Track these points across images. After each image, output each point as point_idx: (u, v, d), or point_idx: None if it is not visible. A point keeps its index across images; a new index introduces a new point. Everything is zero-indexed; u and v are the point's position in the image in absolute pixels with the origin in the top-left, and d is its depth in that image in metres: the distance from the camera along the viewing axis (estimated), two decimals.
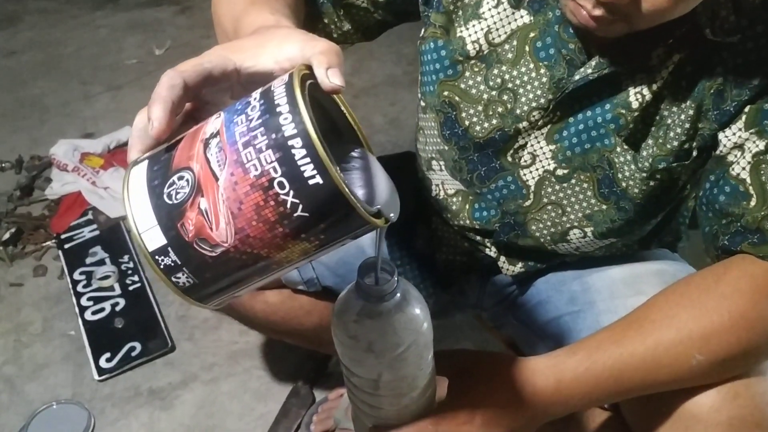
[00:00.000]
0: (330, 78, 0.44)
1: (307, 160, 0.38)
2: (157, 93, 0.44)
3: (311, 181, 0.39)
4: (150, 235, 0.42)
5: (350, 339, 0.58)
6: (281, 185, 0.39)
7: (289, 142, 0.39)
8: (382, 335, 0.57)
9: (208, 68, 0.46)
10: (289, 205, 0.39)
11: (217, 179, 0.40)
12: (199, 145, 0.42)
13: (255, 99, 0.42)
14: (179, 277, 0.43)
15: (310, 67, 0.45)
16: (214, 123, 0.43)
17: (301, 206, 0.39)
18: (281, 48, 0.47)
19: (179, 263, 0.42)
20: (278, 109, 0.40)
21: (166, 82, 0.44)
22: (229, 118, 0.42)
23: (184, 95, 0.45)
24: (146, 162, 0.44)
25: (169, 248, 0.42)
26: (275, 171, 0.39)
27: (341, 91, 0.45)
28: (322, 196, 0.39)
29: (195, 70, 0.45)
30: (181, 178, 0.42)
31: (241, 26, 0.61)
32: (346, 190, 0.39)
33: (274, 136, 0.39)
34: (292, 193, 0.39)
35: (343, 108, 0.49)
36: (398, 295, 0.56)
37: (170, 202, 0.42)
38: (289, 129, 0.39)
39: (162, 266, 0.43)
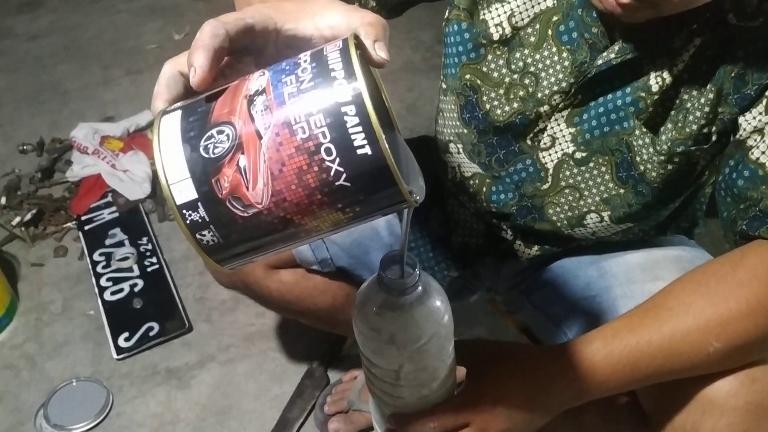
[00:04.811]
0: (377, 51, 0.43)
1: (359, 129, 0.38)
2: (200, 40, 0.42)
3: (360, 151, 0.38)
4: (180, 187, 0.40)
5: (372, 331, 0.58)
6: (328, 151, 0.38)
7: (342, 109, 0.38)
8: (404, 327, 0.57)
9: (250, 23, 0.44)
10: (332, 173, 0.38)
11: (260, 138, 0.39)
12: (243, 100, 0.40)
13: (305, 61, 0.40)
14: (204, 235, 0.41)
15: (358, 38, 0.43)
16: (258, 80, 0.41)
17: (344, 175, 0.39)
18: (323, 15, 0.46)
19: (207, 220, 0.41)
20: (333, 74, 0.39)
21: (209, 31, 0.42)
22: (277, 77, 0.40)
23: (225, 46, 0.43)
24: (180, 112, 0.42)
25: (199, 203, 0.40)
26: (324, 136, 0.38)
27: (386, 65, 0.44)
28: (368, 168, 0.38)
29: (237, 23, 0.44)
30: (221, 132, 0.40)
31: None
32: (394, 164, 0.38)
33: (326, 100, 0.38)
34: (338, 160, 0.38)
35: (379, 87, 0.48)
36: (420, 287, 0.56)
37: (207, 156, 0.40)
38: (343, 95, 0.38)
39: (188, 221, 0.41)
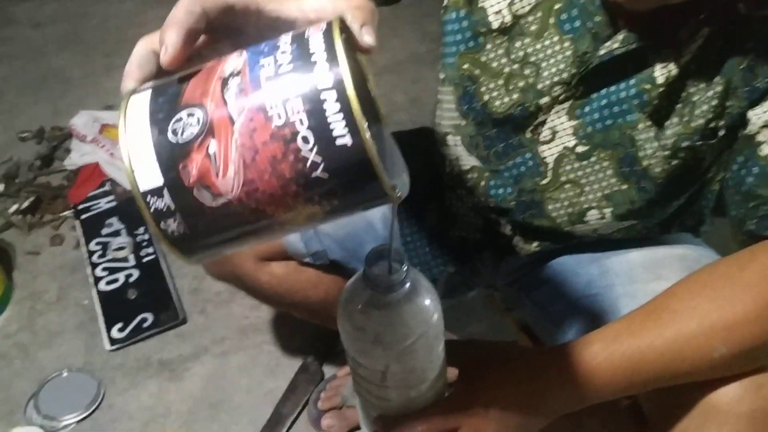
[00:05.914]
0: (364, 35, 0.41)
1: (339, 117, 0.35)
2: (174, 17, 0.40)
3: (339, 141, 0.35)
4: (144, 172, 0.38)
5: (356, 330, 0.56)
6: (305, 140, 0.36)
7: (322, 95, 0.35)
8: (390, 327, 0.55)
9: (230, 2, 0.42)
10: (309, 164, 0.36)
11: (233, 122, 0.37)
12: (216, 82, 0.38)
13: (286, 43, 0.38)
14: (169, 224, 0.39)
15: (344, 21, 0.41)
16: (234, 61, 0.39)
17: (322, 166, 0.36)
18: None
19: (172, 209, 0.38)
20: (313, 58, 0.36)
21: (184, 8, 0.40)
22: (254, 59, 0.38)
23: (201, 25, 0.41)
24: (149, 92, 0.40)
25: (165, 190, 0.38)
26: (301, 123, 0.36)
27: (373, 51, 0.42)
28: (348, 159, 0.36)
29: (216, 2, 0.41)
30: (191, 114, 0.38)
31: None
32: (376, 156, 0.36)
33: (305, 85, 0.36)
34: (315, 150, 0.36)
35: (366, 75, 0.45)
36: (408, 285, 0.53)
37: (174, 140, 0.38)
38: (324, 80, 0.36)
39: (152, 209, 0.39)
